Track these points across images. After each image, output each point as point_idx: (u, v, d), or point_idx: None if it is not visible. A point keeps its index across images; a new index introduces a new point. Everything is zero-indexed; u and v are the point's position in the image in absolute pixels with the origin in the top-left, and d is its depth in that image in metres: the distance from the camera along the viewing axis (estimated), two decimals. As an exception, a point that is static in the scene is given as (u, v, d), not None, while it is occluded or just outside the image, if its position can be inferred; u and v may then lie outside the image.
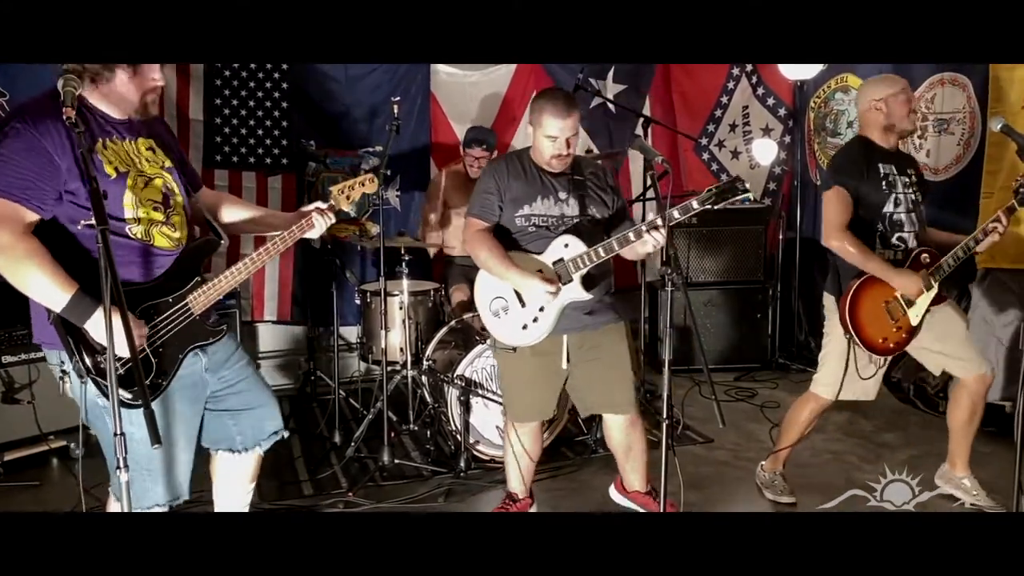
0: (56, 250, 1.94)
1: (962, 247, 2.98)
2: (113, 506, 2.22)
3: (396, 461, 3.68)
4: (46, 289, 1.91)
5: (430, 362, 3.89)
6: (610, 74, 5.56)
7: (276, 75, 4.78)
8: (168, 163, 2.19)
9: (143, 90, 2.06)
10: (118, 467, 1.76)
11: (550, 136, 2.73)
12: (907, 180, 3.07)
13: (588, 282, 2.75)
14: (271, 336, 5.10)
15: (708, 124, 5.84)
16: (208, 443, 2.35)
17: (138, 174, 2.07)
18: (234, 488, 2.44)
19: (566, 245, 2.75)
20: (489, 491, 3.46)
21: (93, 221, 1.76)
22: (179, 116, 4.53)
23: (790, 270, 5.51)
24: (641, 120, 4.97)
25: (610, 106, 5.49)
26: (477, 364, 3.64)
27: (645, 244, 2.60)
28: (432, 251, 4.56)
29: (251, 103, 4.74)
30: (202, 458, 2.33)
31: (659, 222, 2.54)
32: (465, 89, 5.27)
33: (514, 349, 2.86)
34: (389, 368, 3.85)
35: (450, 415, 3.60)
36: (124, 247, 2.03)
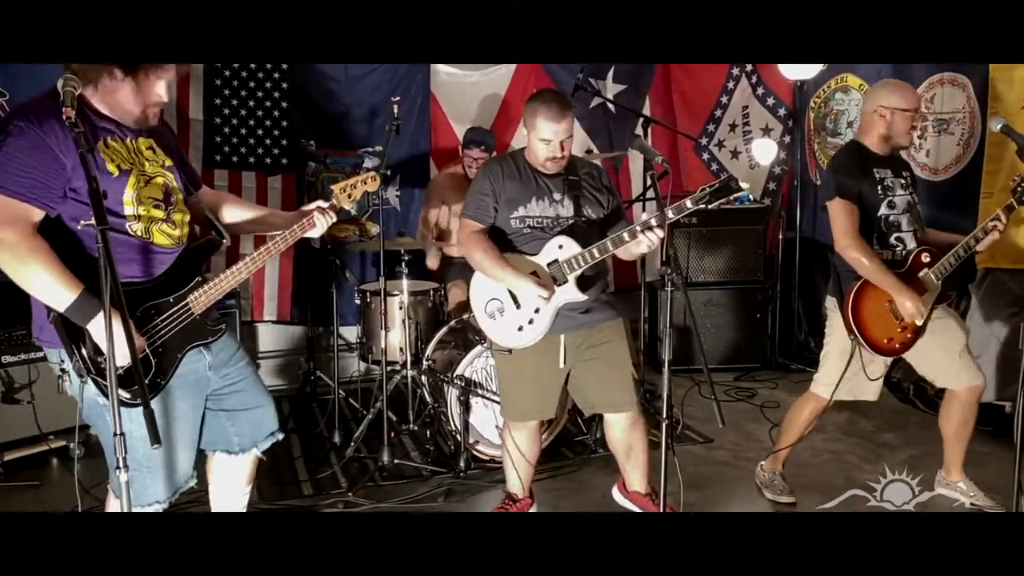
0: (58, 249, 1.94)
1: (963, 246, 2.98)
2: (113, 504, 2.22)
3: (396, 461, 3.68)
4: (51, 288, 1.91)
5: (430, 362, 3.89)
6: (610, 74, 5.56)
7: (276, 75, 4.78)
8: (168, 162, 2.19)
9: (146, 104, 2.06)
10: (118, 467, 1.76)
11: (544, 139, 2.73)
12: (903, 182, 3.07)
13: (583, 283, 2.75)
14: (271, 336, 5.10)
15: (708, 124, 5.84)
16: (205, 444, 2.34)
17: (140, 172, 2.07)
18: (231, 490, 2.44)
19: (560, 246, 2.75)
20: (489, 491, 3.46)
21: (93, 221, 1.76)
22: (179, 116, 4.53)
23: (790, 270, 5.51)
24: (641, 120, 4.98)
25: (610, 106, 5.49)
26: (477, 364, 3.64)
27: (639, 244, 2.61)
28: (432, 264, 4.50)
29: (251, 103, 4.74)
30: (200, 459, 2.33)
31: (653, 222, 2.54)
32: (465, 89, 5.27)
33: (510, 351, 2.86)
34: (389, 368, 3.85)
35: (450, 415, 3.60)
36: (124, 244, 2.03)
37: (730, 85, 5.77)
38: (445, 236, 4.47)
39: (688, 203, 2.53)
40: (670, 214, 2.52)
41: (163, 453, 2.11)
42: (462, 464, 3.58)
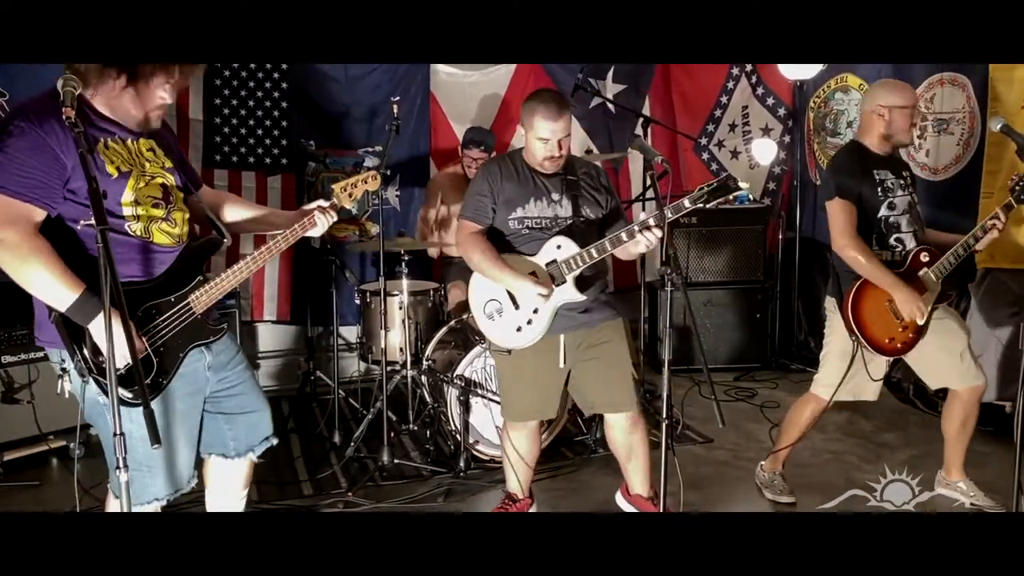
0: (59, 249, 1.94)
1: (962, 245, 2.98)
2: (113, 504, 2.21)
3: (396, 461, 3.68)
4: (52, 288, 1.91)
5: (430, 362, 3.89)
6: (610, 74, 5.56)
7: (276, 75, 4.78)
8: (168, 163, 2.19)
9: (148, 108, 2.06)
10: (117, 467, 1.76)
11: (542, 138, 2.73)
12: (902, 183, 3.07)
13: (582, 283, 2.75)
14: (271, 336, 5.10)
15: (708, 124, 5.84)
16: (202, 447, 2.33)
17: (140, 173, 2.07)
18: (227, 493, 2.44)
19: (559, 247, 2.74)
20: (489, 491, 3.46)
21: (93, 221, 1.76)
22: (179, 116, 4.53)
23: (790, 270, 5.51)
24: (641, 120, 4.98)
25: (610, 106, 5.49)
26: (477, 364, 3.64)
27: (638, 244, 2.60)
28: (433, 252, 4.55)
29: (251, 103, 4.74)
30: (197, 460, 2.33)
31: (651, 222, 2.54)
32: (465, 89, 5.27)
33: (509, 351, 2.86)
34: (389, 368, 3.85)
35: (450, 415, 3.60)
36: (123, 244, 2.03)
37: (730, 85, 5.77)
38: (446, 224, 4.47)
39: (686, 202, 2.53)
40: (668, 214, 2.52)
41: (163, 453, 2.11)
42: (462, 464, 3.58)
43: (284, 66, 4.77)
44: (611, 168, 5.41)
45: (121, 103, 2.02)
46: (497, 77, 5.30)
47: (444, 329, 3.94)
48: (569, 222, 2.80)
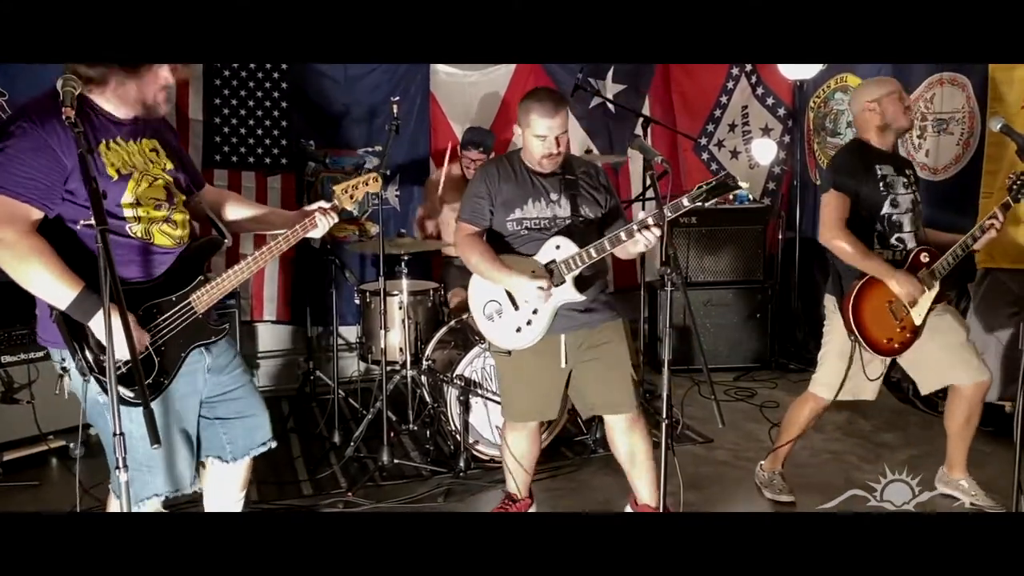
0: (59, 248, 1.95)
1: (960, 245, 2.98)
2: (113, 504, 2.22)
3: (396, 461, 3.68)
4: (51, 286, 1.92)
5: (429, 362, 3.89)
6: (609, 74, 5.56)
7: (275, 75, 4.78)
8: (170, 165, 2.19)
9: (153, 90, 2.06)
10: (117, 467, 1.76)
11: (539, 135, 2.72)
12: (905, 181, 3.07)
13: (581, 283, 2.74)
14: (270, 336, 5.10)
15: (707, 124, 5.84)
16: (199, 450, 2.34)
17: (141, 175, 2.07)
18: (225, 496, 2.43)
19: (558, 247, 2.74)
20: (489, 491, 3.46)
21: (92, 221, 1.76)
22: (178, 116, 4.53)
23: (789, 270, 5.51)
24: (641, 120, 4.98)
25: (610, 106, 5.49)
26: (476, 364, 3.64)
27: (637, 244, 2.60)
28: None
29: (250, 103, 4.74)
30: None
31: (650, 221, 2.53)
32: (465, 89, 5.27)
33: (509, 353, 2.86)
34: (388, 368, 3.85)
35: (449, 415, 3.60)
36: (124, 245, 2.04)
37: (730, 85, 5.77)
38: (445, 224, 4.48)
39: (685, 201, 2.52)
40: (667, 213, 2.51)
41: (163, 453, 2.11)
42: (462, 464, 3.58)
43: (284, 66, 4.77)
44: (611, 169, 5.41)
45: (128, 90, 2.02)
46: (497, 77, 5.30)
47: (444, 329, 3.94)
48: (568, 222, 2.79)
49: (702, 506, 3.27)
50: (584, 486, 3.55)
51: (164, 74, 2.06)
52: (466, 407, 3.54)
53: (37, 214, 1.93)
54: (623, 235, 2.60)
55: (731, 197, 5.02)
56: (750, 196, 5.36)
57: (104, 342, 1.84)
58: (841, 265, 3.04)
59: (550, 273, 2.72)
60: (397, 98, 3.81)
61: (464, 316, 3.84)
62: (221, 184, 4.64)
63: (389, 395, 3.77)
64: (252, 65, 4.72)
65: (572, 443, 3.94)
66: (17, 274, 1.92)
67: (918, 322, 3.00)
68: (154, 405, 1.84)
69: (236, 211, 2.45)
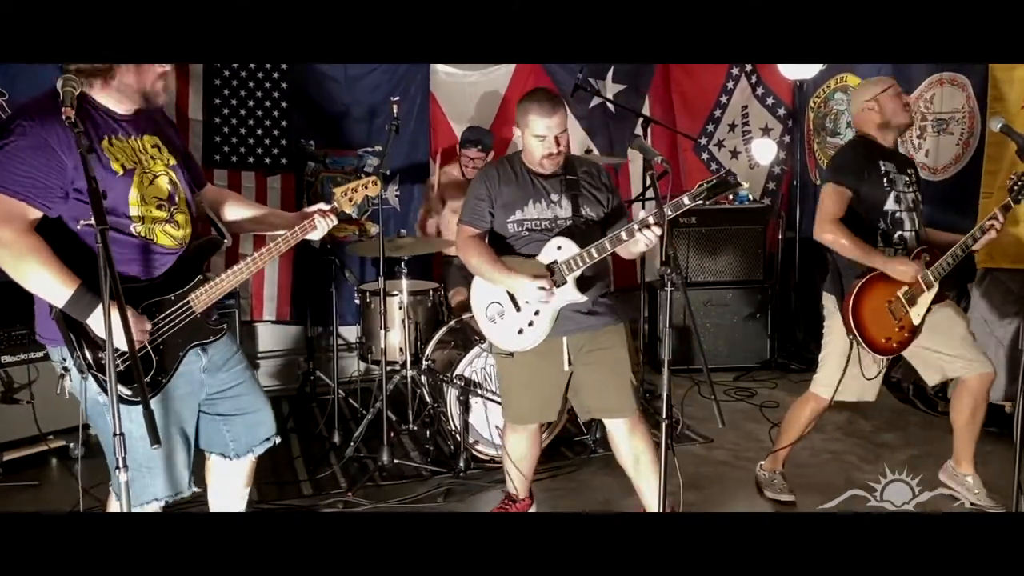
0: (59, 247, 1.95)
1: (960, 245, 2.98)
2: (114, 504, 2.22)
3: (395, 461, 3.68)
4: (48, 285, 1.93)
5: (429, 362, 3.89)
6: (609, 74, 5.56)
7: (275, 75, 4.78)
8: (173, 161, 2.19)
9: (151, 78, 2.06)
10: (117, 467, 1.76)
11: (538, 135, 2.72)
12: (907, 179, 3.07)
13: (583, 284, 2.74)
14: (270, 336, 5.10)
15: (707, 124, 5.85)
16: (203, 445, 2.34)
17: (144, 171, 2.08)
18: (229, 492, 2.44)
19: (559, 247, 2.73)
20: (488, 491, 3.46)
21: (92, 221, 1.76)
22: (178, 115, 4.53)
23: (789, 270, 5.51)
24: (641, 120, 4.97)
25: (610, 106, 5.49)
26: (476, 364, 3.64)
27: (637, 243, 2.59)
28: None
29: (250, 103, 4.74)
30: (199, 460, 2.33)
31: (651, 220, 2.52)
32: (464, 89, 5.27)
33: (511, 354, 2.85)
34: (388, 368, 3.85)
35: (449, 415, 3.60)
36: (125, 244, 2.04)
37: (730, 85, 5.77)
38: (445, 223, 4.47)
39: (685, 199, 2.51)
40: (668, 212, 2.50)
41: (162, 453, 2.11)
42: (462, 464, 3.58)
43: (284, 66, 4.77)
44: (611, 170, 5.41)
45: (126, 81, 2.03)
46: (497, 77, 5.30)
47: (444, 329, 3.94)
48: (569, 222, 2.79)
49: (702, 506, 3.27)
50: (584, 486, 3.55)
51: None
52: (466, 407, 3.54)
53: (35, 213, 1.94)
54: (624, 234, 2.59)
55: (731, 197, 5.02)
56: (750, 196, 5.36)
57: (103, 338, 1.85)
58: (841, 262, 3.03)
59: (551, 274, 2.72)
60: (397, 98, 3.81)
61: (464, 316, 3.84)
62: (221, 184, 4.64)
63: (389, 395, 3.77)
64: (252, 65, 4.72)
65: (572, 443, 3.94)
66: (15, 272, 1.93)
67: (916, 322, 3.00)
68: (153, 405, 1.84)
69: (236, 211, 2.45)
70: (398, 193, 5.14)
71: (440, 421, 3.76)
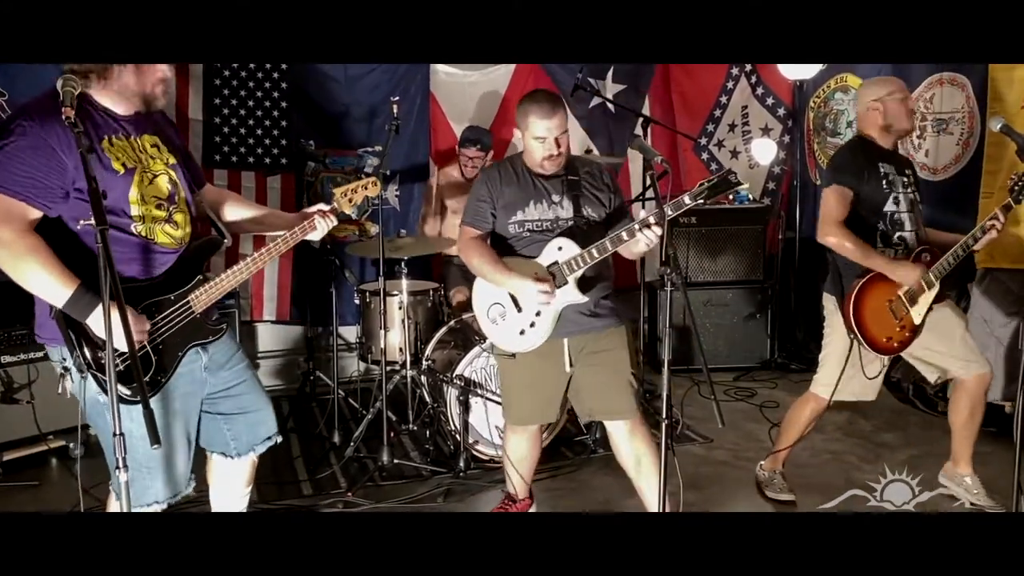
0: (59, 247, 1.95)
1: (961, 245, 2.98)
2: (114, 504, 2.22)
3: (395, 461, 3.68)
4: (48, 285, 1.93)
5: (429, 362, 3.89)
6: (609, 74, 5.56)
7: (275, 75, 4.77)
8: (172, 160, 2.19)
9: (151, 82, 2.07)
10: (117, 467, 1.76)
11: (539, 137, 2.72)
12: (906, 180, 3.08)
13: (584, 284, 2.74)
14: (270, 336, 5.10)
15: (707, 124, 5.84)
16: (204, 444, 2.34)
17: (144, 171, 2.08)
18: (230, 492, 2.44)
19: (560, 248, 2.73)
20: (488, 491, 3.46)
21: (93, 221, 1.76)
22: (178, 115, 4.52)
23: (789, 270, 5.51)
24: (640, 120, 4.97)
25: (609, 106, 5.49)
26: (476, 364, 3.64)
27: (638, 243, 2.58)
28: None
29: (250, 103, 4.74)
30: (200, 458, 2.33)
31: (652, 220, 2.52)
32: (464, 89, 5.27)
33: (513, 355, 2.85)
34: (388, 368, 3.85)
35: (449, 415, 3.60)
36: (126, 243, 2.04)
37: (729, 85, 5.77)
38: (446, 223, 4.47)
39: (686, 199, 2.50)
40: (668, 211, 2.49)
41: (162, 453, 2.11)
42: (462, 464, 3.58)
43: (284, 66, 4.77)
44: (611, 169, 5.41)
45: (126, 82, 2.03)
46: (497, 77, 5.30)
47: (444, 329, 3.94)
48: (570, 223, 2.78)
49: (702, 506, 3.27)
50: (584, 486, 3.55)
51: (163, 66, 2.08)
52: (466, 407, 3.54)
53: (35, 213, 1.94)
54: (624, 234, 2.59)
55: (731, 197, 5.02)
56: (750, 196, 5.36)
57: (103, 338, 1.85)
58: (842, 263, 3.04)
59: (552, 276, 2.72)
60: (397, 98, 3.81)
61: (464, 315, 3.84)
62: (221, 184, 4.64)
63: (389, 395, 3.77)
64: (252, 65, 4.71)
65: (572, 443, 3.94)
66: (14, 272, 1.93)
67: (917, 321, 3.00)
68: (153, 404, 1.84)
69: (235, 212, 2.45)
70: (398, 193, 5.14)
71: (440, 421, 3.76)
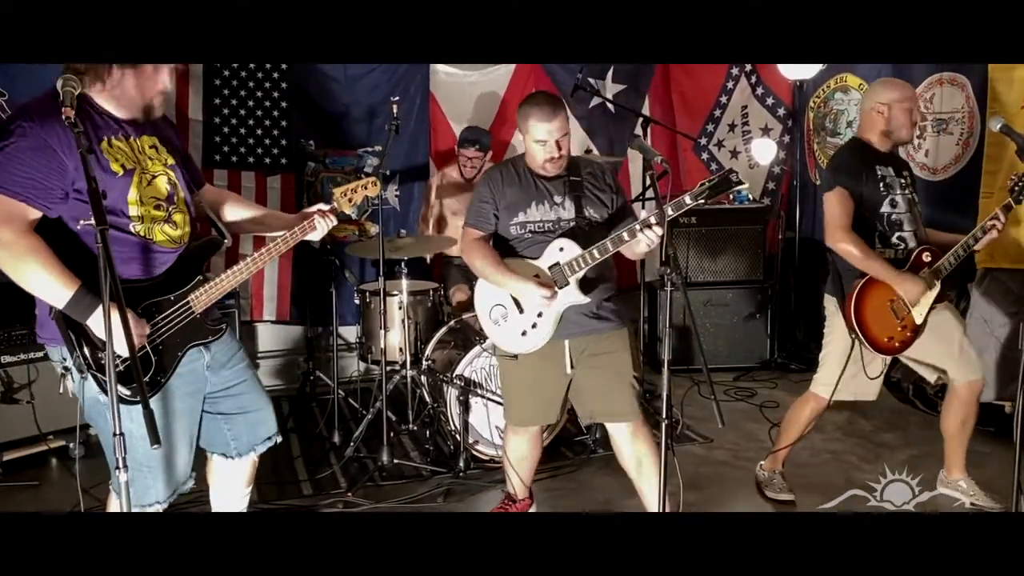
0: (59, 247, 1.95)
1: (962, 245, 2.99)
2: (114, 504, 2.22)
3: (395, 461, 3.68)
4: (48, 286, 1.93)
5: (429, 362, 3.89)
6: (609, 74, 5.56)
7: (275, 75, 4.78)
8: (171, 160, 2.19)
9: (151, 93, 2.07)
10: (117, 467, 1.76)
11: (540, 140, 2.71)
12: (903, 181, 3.08)
13: (585, 285, 2.73)
14: (270, 336, 5.10)
15: (707, 124, 5.84)
16: (204, 444, 2.34)
17: (143, 171, 2.08)
18: (230, 492, 2.44)
19: (561, 249, 2.72)
20: (488, 491, 3.46)
21: (93, 221, 1.76)
22: (178, 116, 4.53)
23: (789, 270, 5.51)
24: (640, 120, 4.97)
25: (609, 106, 5.49)
26: (476, 364, 3.64)
27: (639, 243, 2.58)
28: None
29: (250, 103, 4.74)
30: (200, 459, 2.33)
31: (652, 220, 2.52)
32: (464, 89, 5.27)
33: (515, 356, 2.85)
34: (388, 368, 3.85)
35: (449, 415, 3.60)
36: (125, 243, 2.04)
37: (729, 85, 5.77)
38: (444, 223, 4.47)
39: (687, 198, 2.50)
40: (669, 211, 2.49)
41: (163, 453, 2.11)
42: (461, 464, 3.58)
43: (284, 66, 4.77)
44: (611, 168, 5.41)
45: (126, 90, 2.03)
46: (497, 77, 5.30)
47: (444, 329, 3.94)
48: (572, 224, 2.78)
49: (702, 506, 3.27)
50: (584, 486, 3.55)
51: (163, 78, 2.08)
52: (466, 407, 3.54)
53: (35, 214, 1.94)
54: (625, 235, 2.58)
55: (731, 197, 5.02)
56: (750, 196, 5.36)
57: (103, 338, 1.85)
58: (842, 265, 3.04)
59: (554, 280, 2.71)
60: (397, 98, 3.81)
61: (464, 315, 3.84)
62: (221, 184, 4.64)
63: (389, 395, 3.77)
64: (252, 65, 4.72)
65: (572, 443, 3.94)
66: (14, 273, 1.93)
67: (919, 321, 3.00)
68: (153, 404, 1.84)
69: (235, 212, 2.45)
70: (398, 193, 5.14)
71: (440, 421, 3.76)
